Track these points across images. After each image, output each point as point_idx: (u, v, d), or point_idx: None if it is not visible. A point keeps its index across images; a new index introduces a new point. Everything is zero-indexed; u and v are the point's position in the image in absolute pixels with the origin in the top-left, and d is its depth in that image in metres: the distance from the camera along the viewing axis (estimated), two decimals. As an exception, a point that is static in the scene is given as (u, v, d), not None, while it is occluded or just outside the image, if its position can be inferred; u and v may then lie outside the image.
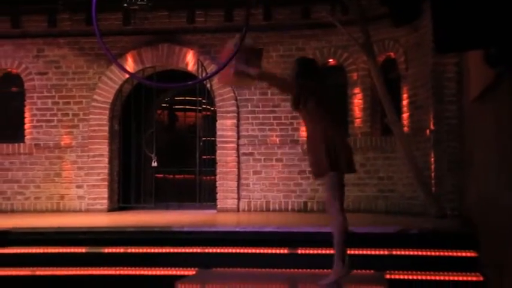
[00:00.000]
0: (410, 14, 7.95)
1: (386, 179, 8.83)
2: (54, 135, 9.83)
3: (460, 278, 5.43)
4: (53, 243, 6.30)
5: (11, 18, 9.83)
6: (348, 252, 5.36)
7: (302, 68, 4.92)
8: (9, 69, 10.06)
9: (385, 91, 7.91)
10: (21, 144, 9.85)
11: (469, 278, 5.42)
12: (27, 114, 9.93)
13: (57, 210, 9.67)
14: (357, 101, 9.29)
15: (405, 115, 8.60)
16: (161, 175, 10.73)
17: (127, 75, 9.54)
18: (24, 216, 8.70)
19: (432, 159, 7.82)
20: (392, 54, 8.94)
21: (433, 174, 7.81)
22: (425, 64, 8.09)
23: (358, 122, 9.25)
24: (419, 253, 5.70)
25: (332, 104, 4.93)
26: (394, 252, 5.74)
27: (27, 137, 9.88)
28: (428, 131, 7.93)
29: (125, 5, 9.00)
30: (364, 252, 5.77)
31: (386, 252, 5.74)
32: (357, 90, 9.30)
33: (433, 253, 5.67)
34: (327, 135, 4.68)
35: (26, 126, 9.91)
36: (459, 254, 5.63)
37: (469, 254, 5.60)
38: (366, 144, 9.06)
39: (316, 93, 4.77)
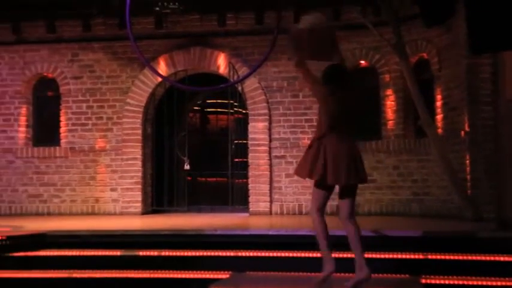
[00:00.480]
0: (442, 14, 7.86)
1: (420, 181, 8.73)
2: (88, 138, 9.97)
3: (498, 283, 5.32)
4: (88, 246, 6.38)
5: (47, 24, 10.01)
6: (384, 256, 5.35)
7: (327, 74, 4.85)
8: (45, 74, 10.24)
9: (418, 92, 7.82)
10: (57, 147, 10.02)
11: (507, 283, 5.31)
12: (62, 118, 10.09)
13: (92, 213, 9.81)
14: (390, 103, 9.21)
15: (439, 117, 8.49)
16: (194, 178, 10.78)
17: (160, 79, 9.63)
18: (61, 219, 8.83)
19: (467, 161, 7.71)
20: (425, 55, 8.85)
21: (468, 176, 7.70)
22: (459, 65, 7.98)
23: (391, 124, 9.17)
24: (456, 257, 5.61)
25: (351, 114, 4.82)
26: (429, 257, 5.66)
27: (63, 140, 10.04)
28: (463, 133, 7.81)
29: (157, 8, 9.11)
30: (399, 256, 5.71)
31: (421, 256, 5.67)
32: (389, 92, 9.21)
33: (469, 257, 5.58)
34: (320, 142, 4.66)
35: (62, 130, 10.07)
36: (496, 258, 5.52)
37: (506, 259, 5.50)
38: (399, 147, 8.97)
39: (329, 99, 4.71)
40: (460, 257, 5.60)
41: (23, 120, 10.20)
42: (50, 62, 10.15)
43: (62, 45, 10.12)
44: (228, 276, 5.65)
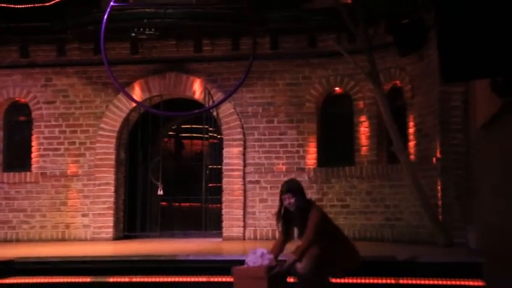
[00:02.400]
0: (415, 43, 8.02)
1: (392, 207, 8.78)
2: (60, 163, 9.86)
3: (469, 308, 5.35)
4: (58, 273, 6.27)
5: (20, 48, 9.95)
6: (356, 281, 5.43)
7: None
8: (18, 98, 10.14)
9: (392, 119, 7.91)
10: (28, 173, 9.88)
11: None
12: (34, 143, 9.97)
13: (63, 239, 9.64)
14: (363, 129, 9.29)
15: (411, 143, 8.58)
16: (167, 203, 10.71)
17: (134, 104, 9.60)
18: (29, 246, 8.67)
19: (439, 187, 7.78)
20: (398, 82, 8.97)
21: (440, 202, 7.76)
22: (432, 92, 8.10)
23: (364, 150, 9.23)
24: (427, 282, 5.63)
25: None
26: (401, 281, 5.67)
27: (34, 165, 9.91)
28: (434, 159, 7.90)
29: (133, 34, 9.12)
30: (372, 281, 5.71)
31: (393, 281, 5.68)
32: (363, 118, 9.30)
33: (440, 282, 5.61)
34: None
35: (33, 155, 9.95)
36: (466, 283, 5.56)
37: (475, 283, 5.53)
38: (372, 172, 9.03)
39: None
40: (431, 282, 5.62)
41: (-7, 145, 10.06)
42: (22, 87, 10.06)
43: (35, 70, 10.05)
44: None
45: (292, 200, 5.16)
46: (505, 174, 4.66)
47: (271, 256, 4.99)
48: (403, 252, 6.58)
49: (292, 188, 5.25)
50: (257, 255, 4.91)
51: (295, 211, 5.20)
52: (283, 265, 4.92)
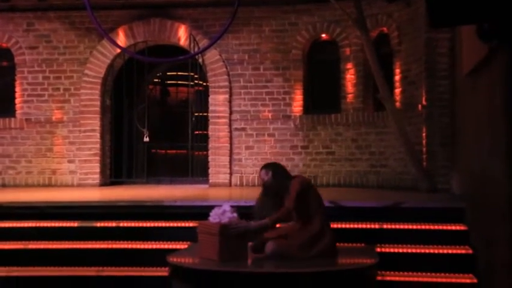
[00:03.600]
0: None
1: (378, 154, 8.86)
2: (45, 110, 9.78)
3: (450, 251, 5.49)
4: (45, 218, 6.30)
5: (0, -8, 9.72)
6: (341, 226, 5.48)
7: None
8: (-1, 43, 9.98)
9: (378, 66, 7.89)
10: (12, 118, 9.80)
11: (459, 251, 5.48)
12: (18, 89, 9.86)
13: (49, 185, 9.67)
14: (350, 76, 9.28)
15: (397, 90, 8.60)
16: (153, 150, 10.72)
17: (118, 50, 9.47)
18: (16, 191, 8.69)
19: (424, 134, 7.85)
20: (385, 29, 8.91)
21: (424, 149, 7.84)
22: (419, 39, 8.07)
23: (350, 97, 9.24)
24: (410, 227, 5.75)
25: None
26: (384, 226, 5.78)
27: (18, 111, 9.83)
28: (420, 106, 7.94)
29: (116, -22, 8.91)
30: (356, 226, 5.82)
31: (377, 226, 5.79)
32: (349, 65, 9.27)
33: (423, 227, 5.72)
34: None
35: (17, 100, 9.85)
36: (449, 227, 5.68)
37: (458, 228, 5.66)
38: (358, 120, 9.07)
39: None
40: (414, 227, 5.74)
41: (-24, 90, 9.95)
42: (4, 32, 9.86)
43: (16, 14, 9.84)
44: (186, 246, 5.67)
45: (269, 175, 4.93)
46: (489, 121, 4.70)
47: (234, 215, 4.71)
48: (388, 198, 6.68)
49: (268, 165, 5.06)
50: (219, 212, 4.76)
51: (277, 191, 4.95)
52: (240, 225, 4.67)
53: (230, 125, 9.62)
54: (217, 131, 9.62)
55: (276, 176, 4.94)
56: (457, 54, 6.82)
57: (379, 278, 5.04)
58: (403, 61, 8.53)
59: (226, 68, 9.65)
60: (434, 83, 7.76)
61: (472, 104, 5.65)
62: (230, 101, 9.65)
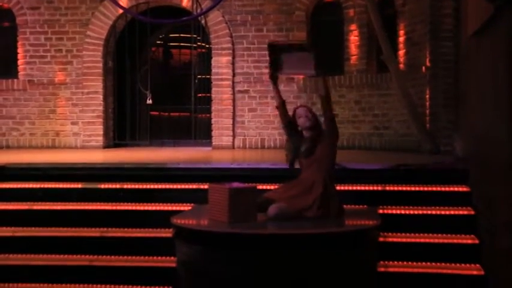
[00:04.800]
0: None
1: (381, 116, 8.84)
2: (47, 71, 9.76)
3: (452, 212, 5.50)
4: (49, 179, 6.33)
5: (0, -49, 9.60)
6: (343, 188, 5.49)
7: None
8: (1, 4, 9.87)
9: (382, 28, 7.81)
10: (15, 80, 9.79)
11: (461, 212, 5.49)
12: (20, 50, 9.82)
13: (53, 147, 9.71)
14: (353, 38, 9.19)
15: (401, 52, 8.53)
16: (156, 112, 10.71)
17: (120, 11, 9.38)
18: (20, 152, 8.72)
19: (427, 95, 7.81)
20: (389, -11, 8.80)
21: (428, 111, 7.81)
22: (423, 0, 7.96)
23: (353, 59, 9.18)
24: (412, 188, 5.74)
25: None
26: (387, 188, 5.79)
27: (21, 73, 9.81)
28: (424, 68, 7.88)
29: None
30: (358, 188, 5.83)
31: (379, 188, 5.80)
32: (353, 27, 9.18)
33: (425, 188, 5.72)
34: None
35: (19, 62, 9.82)
36: (451, 188, 5.68)
37: (461, 189, 5.65)
38: (362, 82, 9.02)
39: None
40: (416, 188, 5.74)
41: (-22, 51, 9.91)
42: (5, -9, 9.80)
43: (17, -26, 9.75)
44: (190, 208, 5.71)
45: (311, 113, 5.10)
46: (494, 83, 4.67)
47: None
48: (391, 160, 6.69)
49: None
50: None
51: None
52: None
53: (233, 88, 9.59)
54: (220, 94, 9.60)
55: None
56: (462, 15, 6.74)
57: (381, 239, 5.07)
58: (407, 22, 8.44)
59: (229, 29, 9.57)
60: (438, 44, 7.69)
61: (476, 65, 5.60)
62: (233, 63, 9.60)
